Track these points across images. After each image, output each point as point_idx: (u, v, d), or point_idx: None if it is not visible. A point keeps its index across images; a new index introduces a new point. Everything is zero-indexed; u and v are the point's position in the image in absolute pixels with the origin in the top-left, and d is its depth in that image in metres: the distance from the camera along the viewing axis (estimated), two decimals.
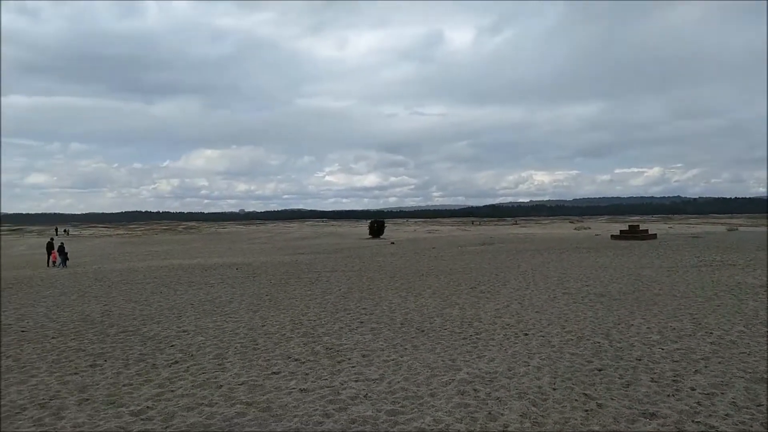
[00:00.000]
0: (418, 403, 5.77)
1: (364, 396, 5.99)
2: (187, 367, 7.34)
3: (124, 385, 6.58)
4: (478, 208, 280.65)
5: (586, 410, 5.50)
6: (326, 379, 6.62)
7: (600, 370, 6.79)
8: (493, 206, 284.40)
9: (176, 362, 7.60)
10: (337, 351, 8.00)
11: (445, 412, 5.52)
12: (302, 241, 53.32)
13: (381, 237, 57.46)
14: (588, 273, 17.13)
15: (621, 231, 39.88)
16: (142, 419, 5.47)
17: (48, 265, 25.52)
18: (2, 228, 77.06)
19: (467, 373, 6.82)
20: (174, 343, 8.72)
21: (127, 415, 5.58)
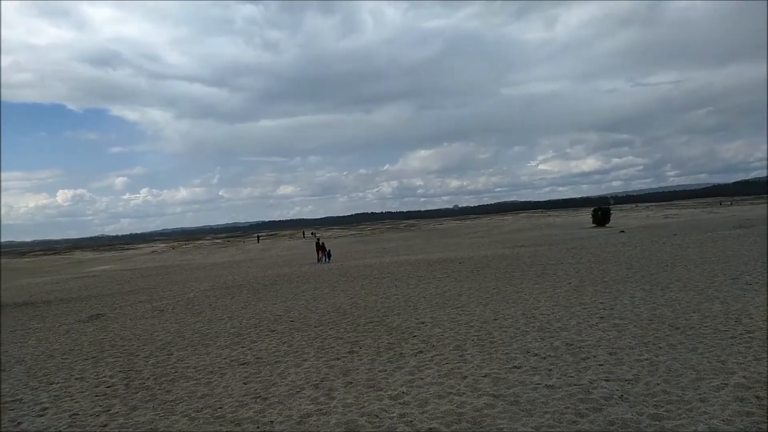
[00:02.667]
0: (686, 408, 5.15)
1: (620, 397, 5.57)
2: (431, 356, 7.79)
3: (379, 371, 7.29)
4: (726, 185, 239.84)
5: None
6: (572, 377, 6.35)
7: None
8: (746, 182, 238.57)
9: (420, 352, 8.12)
10: (579, 347, 7.61)
11: (722, 420, 4.82)
12: (519, 234, 52.26)
13: (607, 225, 53.25)
14: None
15: None
16: (399, 403, 5.97)
17: (317, 262, 30.52)
18: (260, 234, 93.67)
19: (743, 377, 5.86)
20: (416, 334, 9.34)
21: (387, 399, 6.15)
